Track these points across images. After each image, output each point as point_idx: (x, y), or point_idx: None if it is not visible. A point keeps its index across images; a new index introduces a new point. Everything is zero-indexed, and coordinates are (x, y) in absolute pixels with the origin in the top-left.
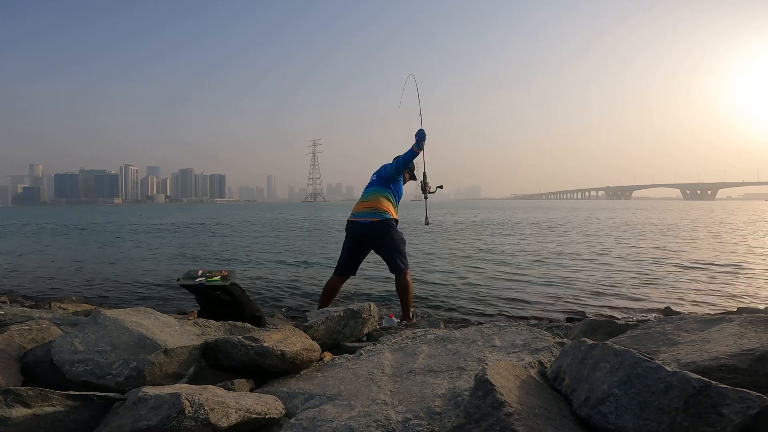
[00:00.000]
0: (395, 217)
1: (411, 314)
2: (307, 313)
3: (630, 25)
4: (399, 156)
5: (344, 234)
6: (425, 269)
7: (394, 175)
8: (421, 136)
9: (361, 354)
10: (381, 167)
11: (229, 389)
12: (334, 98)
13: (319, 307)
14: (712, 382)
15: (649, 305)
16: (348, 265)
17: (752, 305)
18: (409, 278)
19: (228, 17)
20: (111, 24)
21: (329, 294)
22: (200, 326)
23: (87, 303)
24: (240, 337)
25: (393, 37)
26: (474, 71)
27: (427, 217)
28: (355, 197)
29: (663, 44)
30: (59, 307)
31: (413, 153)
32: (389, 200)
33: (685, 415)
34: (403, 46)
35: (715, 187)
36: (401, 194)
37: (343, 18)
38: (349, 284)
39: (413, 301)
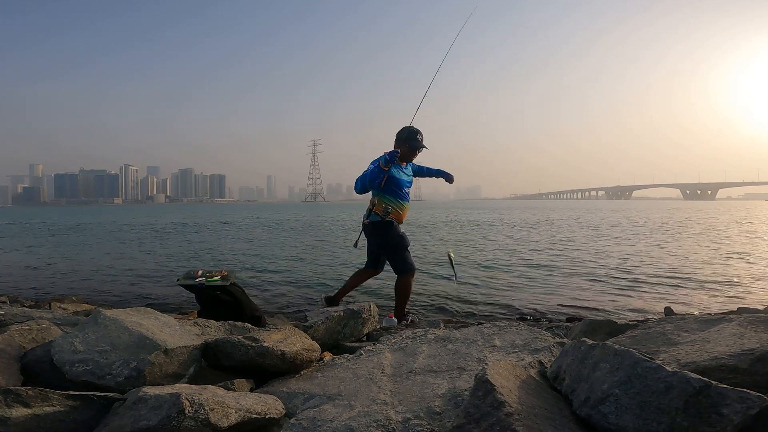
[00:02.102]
0: (389, 218)
1: (404, 315)
2: (307, 313)
3: (630, 25)
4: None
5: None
6: (425, 269)
7: (359, 192)
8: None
9: (361, 354)
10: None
11: (229, 389)
12: (335, 98)
13: (342, 291)
14: (712, 382)
15: (649, 305)
16: (370, 259)
17: (752, 305)
18: (408, 282)
19: (228, 17)
20: (111, 24)
21: (354, 282)
22: (200, 326)
23: (87, 303)
24: (240, 337)
25: (393, 37)
26: (474, 71)
27: (357, 241)
28: (355, 197)
29: (663, 44)
30: (59, 307)
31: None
32: (382, 199)
33: (685, 415)
34: (403, 46)
35: (715, 187)
36: (398, 187)
37: (343, 18)
38: None
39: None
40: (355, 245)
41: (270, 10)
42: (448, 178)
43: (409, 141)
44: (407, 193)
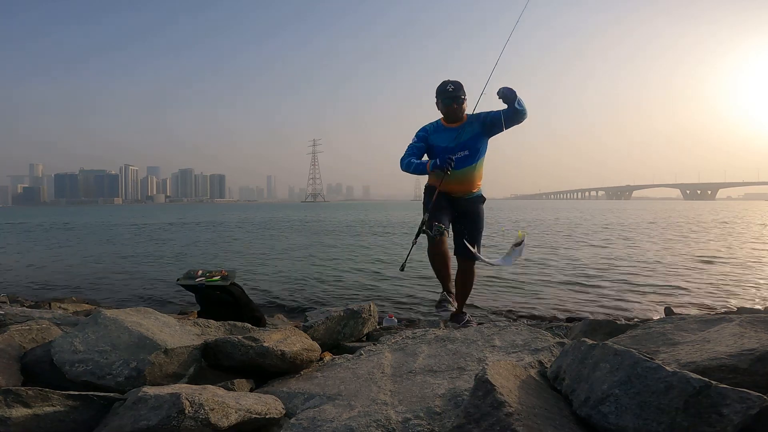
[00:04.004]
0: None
1: (445, 299)
2: (307, 313)
3: (630, 24)
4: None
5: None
6: (423, 268)
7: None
8: (443, 164)
9: (361, 354)
10: None
11: (229, 389)
12: (336, 98)
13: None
14: (712, 382)
15: (649, 305)
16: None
17: (752, 305)
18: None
19: (228, 16)
20: (111, 23)
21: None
22: (200, 326)
23: (87, 303)
24: (240, 337)
25: (394, 37)
26: (473, 70)
27: (404, 264)
28: (355, 197)
29: (662, 44)
30: (59, 307)
31: (424, 169)
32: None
33: (685, 415)
34: (402, 45)
35: (715, 187)
36: (435, 155)
37: (345, 16)
38: (349, 283)
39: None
40: (402, 268)
41: (270, 10)
42: (512, 97)
43: (439, 99)
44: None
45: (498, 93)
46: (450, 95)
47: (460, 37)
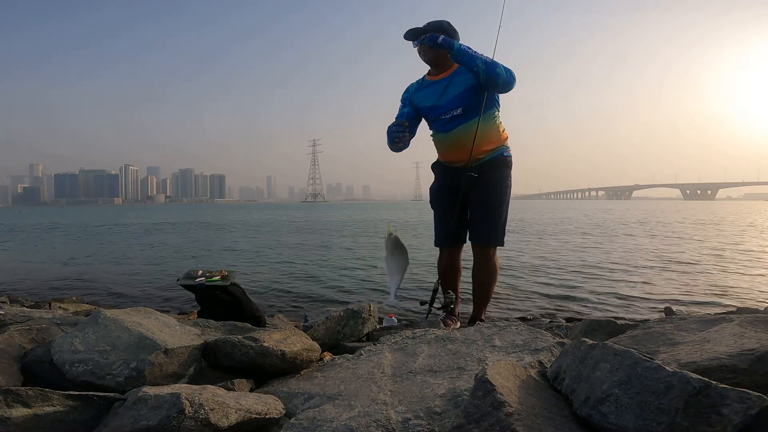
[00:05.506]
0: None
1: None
2: (307, 313)
3: (632, 23)
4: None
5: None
6: (424, 266)
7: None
8: (393, 133)
9: (361, 354)
10: None
11: (229, 389)
12: (335, 97)
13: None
14: (712, 382)
15: (649, 305)
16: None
17: (752, 305)
18: (439, 258)
19: (226, 10)
20: (108, 15)
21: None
22: (200, 326)
23: (87, 303)
24: (240, 337)
25: (396, 27)
26: None
27: (428, 313)
28: (355, 197)
29: (660, 44)
30: (59, 307)
31: (391, 139)
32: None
33: (685, 415)
34: (400, 42)
35: (715, 187)
36: (425, 117)
37: (346, 7)
38: (349, 283)
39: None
40: None
41: (268, 3)
42: (435, 39)
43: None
44: (443, 120)
45: (425, 41)
46: (414, 31)
47: (461, 33)
